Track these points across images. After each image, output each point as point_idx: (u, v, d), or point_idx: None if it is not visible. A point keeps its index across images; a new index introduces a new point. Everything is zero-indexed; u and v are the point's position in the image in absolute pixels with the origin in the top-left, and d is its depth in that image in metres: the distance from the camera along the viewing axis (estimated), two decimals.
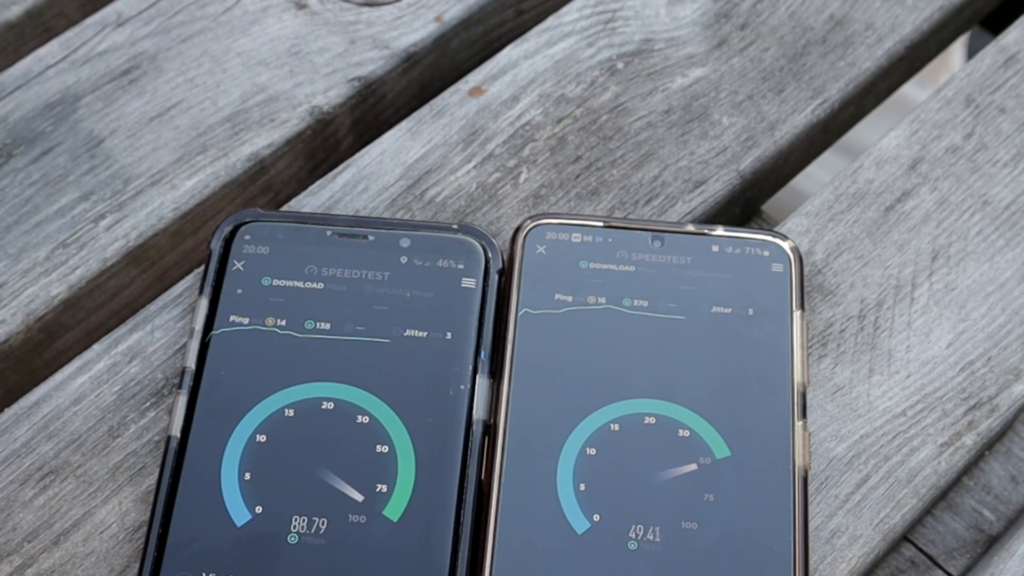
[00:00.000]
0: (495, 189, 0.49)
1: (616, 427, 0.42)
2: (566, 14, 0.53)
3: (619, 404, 0.42)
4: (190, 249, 0.49)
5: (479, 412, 0.42)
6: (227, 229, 0.45)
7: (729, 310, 0.44)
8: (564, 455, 0.41)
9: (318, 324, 0.43)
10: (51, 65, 0.51)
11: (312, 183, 0.50)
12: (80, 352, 0.45)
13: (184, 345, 0.45)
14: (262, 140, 0.50)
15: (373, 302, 0.44)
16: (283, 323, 0.43)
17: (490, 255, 0.45)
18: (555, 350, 0.43)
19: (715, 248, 0.45)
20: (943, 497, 0.46)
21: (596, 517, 0.41)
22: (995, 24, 0.62)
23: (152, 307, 0.46)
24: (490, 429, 0.42)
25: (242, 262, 0.45)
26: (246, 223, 0.45)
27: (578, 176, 0.49)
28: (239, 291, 0.44)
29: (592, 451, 0.42)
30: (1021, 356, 0.46)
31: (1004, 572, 0.42)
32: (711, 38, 0.53)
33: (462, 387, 0.42)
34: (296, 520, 0.40)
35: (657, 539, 0.40)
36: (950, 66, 0.54)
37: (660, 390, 0.43)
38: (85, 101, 0.50)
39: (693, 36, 0.53)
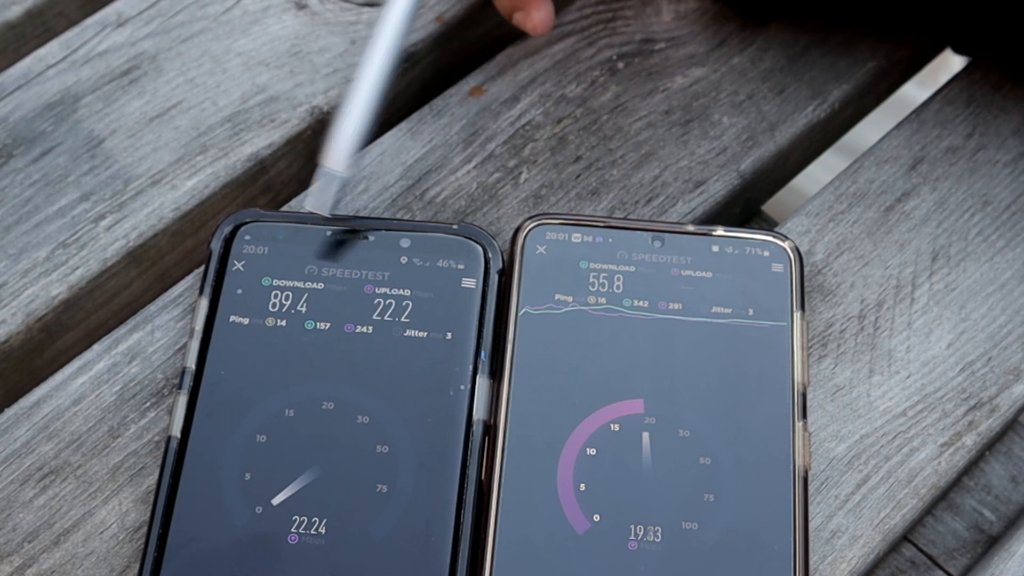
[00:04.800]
0: (495, 189, 0.49)
1: (616, 427, 0.42)
2: (566, 14, 0.53)
3: (619, 404, 0.42)
4: (190, 249, 0.49)
5: (479, 412, 0.42)
6: (227, 229, 0.45)
7: (729, 310, 0.44)
8: (564, 455, 0.41)
9: (318, 324, 0.43)
10: (51, 65, 0.51)
11: (312, 183, 0.50)
12: (80, 352, 0.45)
13: (184, 345, 0.45)
14: (262, 140, 0.50)
15: (373, 302, 0.44)
16: (283, 323, 0.43)
17: (490, 255, 0.45)
18: (555, 350, 0.43)
19: (715, 248, 0.45)
20: (943, 497, 0.46)
21: (596, 517, 0.41)
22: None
23: (152, 307, 0.46)
24: (490, 429, 0.42)
25: (242, 262, 0.45)
26: (246, 223, 0.45)
27: (578, 176, 0.49)
28: (239, 291, 0.44)
29: (592, 451, 0.42)
30: (1021, 356, 0.46)
31: (1004, 572, 0.42)
32: (711, 38, 0.53)
33: (462, 387, 0.42)
34: (296, 520, 0.40)
35: (657, 539, 0.40)
36: (950, 66, 0.54)
37: (660, 390, 0.43)
38: (85, 101, 0.50)
39: (693, 36, 0.53)
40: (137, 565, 0.41)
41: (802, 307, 0.44)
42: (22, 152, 0.49)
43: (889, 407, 0.44)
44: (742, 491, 0.41)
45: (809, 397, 0.44)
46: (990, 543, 0.45)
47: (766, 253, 0.45)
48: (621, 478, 0.41)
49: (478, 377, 0.43)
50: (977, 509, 0.46)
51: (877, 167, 0.50)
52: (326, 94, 0.51)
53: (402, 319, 0.44)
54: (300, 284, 0.44)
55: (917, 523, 0.45)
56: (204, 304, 0.44)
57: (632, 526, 0.40)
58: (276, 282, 0.44)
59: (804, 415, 0.42)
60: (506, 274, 0.45)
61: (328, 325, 0.43)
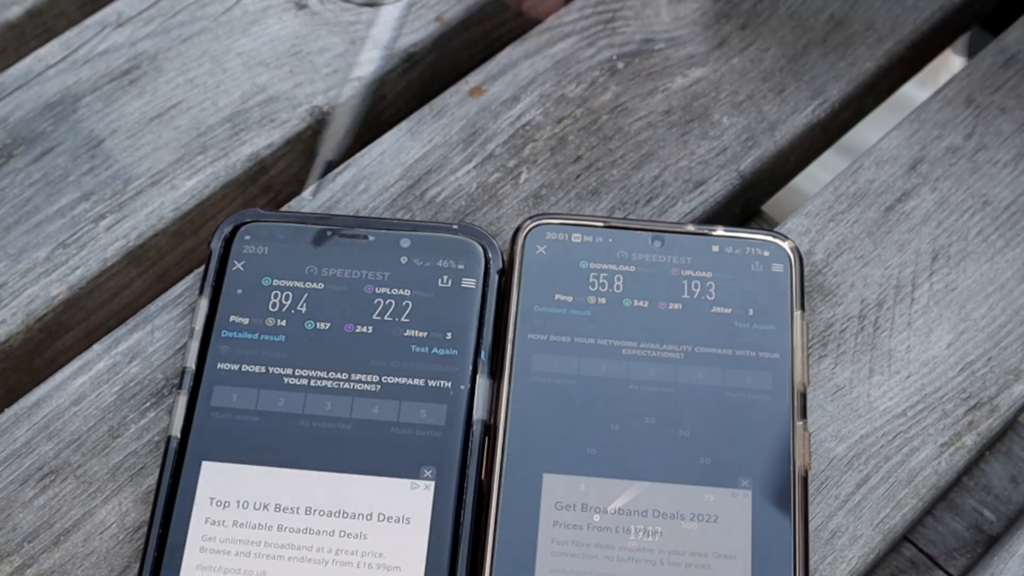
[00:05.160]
0: (495, 189, 0.49)
1: (616, 427, 0.42)
2: (566, 14, 0.53)
3: (619, 404, 0.42)
4: (190, 249, 0.49)
5: (479, 412, 0.42)
6: (227, 229, 0.45)
7: (729, 310, 0.44)
8: (564, 455, 0.41)
9: (318, 324, 0.43)
10: (51, 65, 0.51)
11: (312, 183, 0.50)
12: (80, 352, 0.45)
13: (184, 345, 0.45)
14: (262, 140, 0.50)
15: (373, 302, 0.44)
16: (283, 323, 0.43)
17: (490, 255, 0.45)
18: (555, 350, 0.43)
19: (715, 248, 0.45)
20: (943, 497, 0.46)
21: (596, 518, 0.41)
22: (995, 24, 0.62)
23: (152, 307, 0.46)
24: (490, 429, 0.42)
25: (242, 262, 0.45)
26: (246, 223, 0.45)
27: (578, 176, 0.49)
28: (239, 291, 0.44)
29: (592, 451, 0.42)
30: (1021, 356, 0.46)
31: (1004, 572, 0.42)
32: (711, 38, 0.53)
33: (462, 387, 0.43)
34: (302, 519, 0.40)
35: (657, 539, 0.40)
36: (950, 66, 0.54)
37: (660, 390, 0.43)
38: (85, 101, 0.50)
39: (693, 36, 0.53)
40: (137, 565, 0.41)
41: (802, 307, 0.44)
42: (22, 152, 0.49)
43: (889, 407, 0.44)
44: (742, 491, 0.41)
45: (809, 397, 0.44)
46: (990, 543, 0.45)
47: (766, 253, 0.45)
48: (621, 478, 0.41)
49: (478, 377, 0.43)
50: (977, 509, 0.46)
51: (877, 167, 0.50)
52: (326, 94, 0.51)
53: (402, 319, 0.44)
54: (300, 284, 0.44)
55: (917, 523, 0.45)
56: (204, 304, 0.44)
57: (632, 526, 0.40)
58: (276, 282, 0.44)
59: (804, 415, 0.42)
60: (506, 274, 0.45)
61: (328, 325, 0.43)
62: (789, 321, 0.44)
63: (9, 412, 0.44)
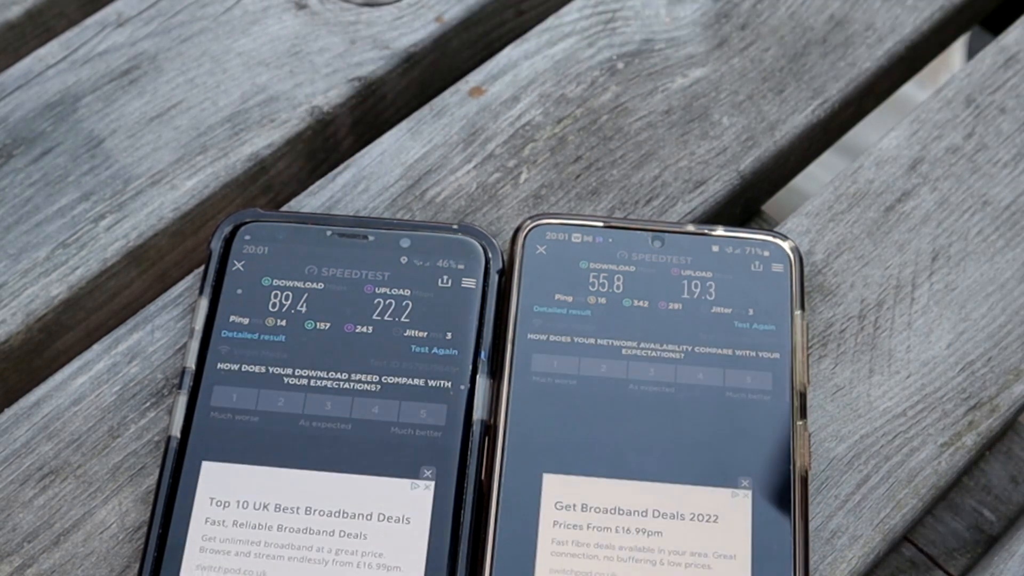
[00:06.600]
0: (495, 189, 0.49)
1: (616, 427, 0.42)
2: (566, 14, 0.53)
3: (619, 404, 0.42)
4: (190, 249, 0.49)
5: (479, 412, 0.42)
6: (227, 229, 0.45)
7: (729, 310, 0.44)
8: (564, 455, 0.41)
9: (318, 324, 0.43)
10: (51, 65, 0.51)
11: (312, 183, 0.50)
12: (80, 352, 0.45)
13: (184, 345, 0.45)
14: (262, 140, 0.50)
15: (373, 302, 0.44)
16: (283, 323, 0.43)
17: (490, 255, 0.45)
18: (555, 350, 0.43)
19: (715, 248, 0.45)
20: (943, 497, 0.46)
21: (596, 518, 0.40)
22: (995, 24, 0.62)
23: (152, 307, 0.46)
24: (490, 429, 0.42)
25: (242, 262, 0.45)
26: (246, 223, 0.45)
27: (578, 176, 0.49)
28: (239, 291, 0.44)
29: (592, 451, 0.41)
30: (1021, 356, 0.46)
31: (1004, 572, 0.42)
32: (711, 38, 0.53)
33: (462, 387, 0.43)
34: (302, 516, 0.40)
35: (658, 540, 0.40)
36: (950, 66, 0.55)
37: (660, 390, 0.43)
38: (85, 101, 0.50)
39: (693, 36, 0.53)
40: (137, 565, 0.41)
41: (802, 307, 0.44)
42: (22, 152, 0.49)
43: (889, 407, 0.44)
44: (742, 491, 0.41)
45: (809, 397, 0.44)
46: (990, 543, 0.45)
47: (766, 253, 0.45)
48: (622, 477, 0.41)
49: (478, 377, 0.43)
50: (977, 509, 0.46)
51: (877, 167, 0.50)
52: (326, 94, 0.51)
53: (402, 319, 0.44)
54: (300, 284, 0.44)
55: (917, 523, 0.45)
56: (204, 304, 0.44)
57: (632, 526, 0.40)
58: (276, 282, 0.44)
59: (804, 415, 0.42)
60: (506, 274, 0.45)
61: (328, 325, 0.43)
62: (789, 321, 0.44)
63: (9, 412, 0.44)
